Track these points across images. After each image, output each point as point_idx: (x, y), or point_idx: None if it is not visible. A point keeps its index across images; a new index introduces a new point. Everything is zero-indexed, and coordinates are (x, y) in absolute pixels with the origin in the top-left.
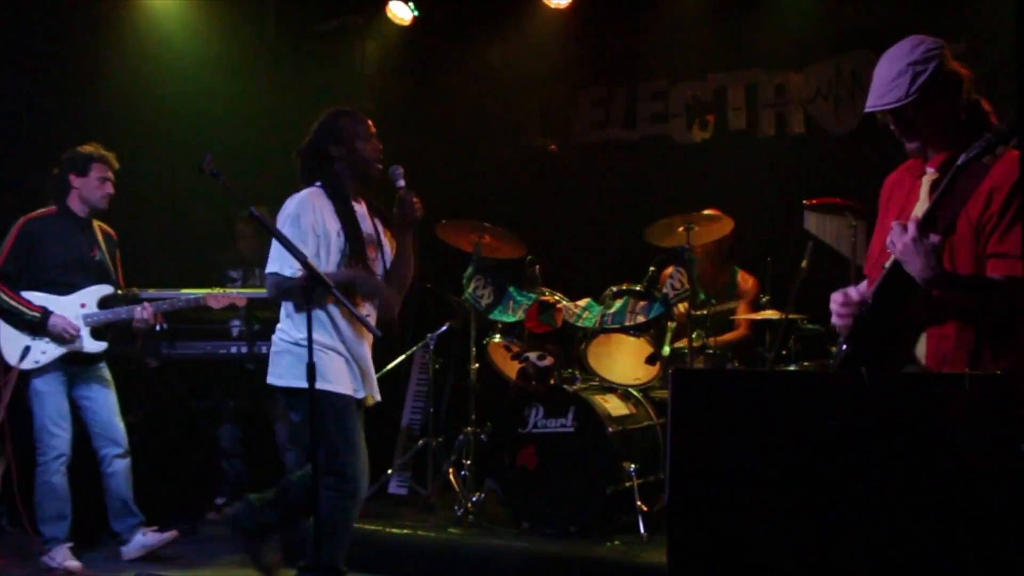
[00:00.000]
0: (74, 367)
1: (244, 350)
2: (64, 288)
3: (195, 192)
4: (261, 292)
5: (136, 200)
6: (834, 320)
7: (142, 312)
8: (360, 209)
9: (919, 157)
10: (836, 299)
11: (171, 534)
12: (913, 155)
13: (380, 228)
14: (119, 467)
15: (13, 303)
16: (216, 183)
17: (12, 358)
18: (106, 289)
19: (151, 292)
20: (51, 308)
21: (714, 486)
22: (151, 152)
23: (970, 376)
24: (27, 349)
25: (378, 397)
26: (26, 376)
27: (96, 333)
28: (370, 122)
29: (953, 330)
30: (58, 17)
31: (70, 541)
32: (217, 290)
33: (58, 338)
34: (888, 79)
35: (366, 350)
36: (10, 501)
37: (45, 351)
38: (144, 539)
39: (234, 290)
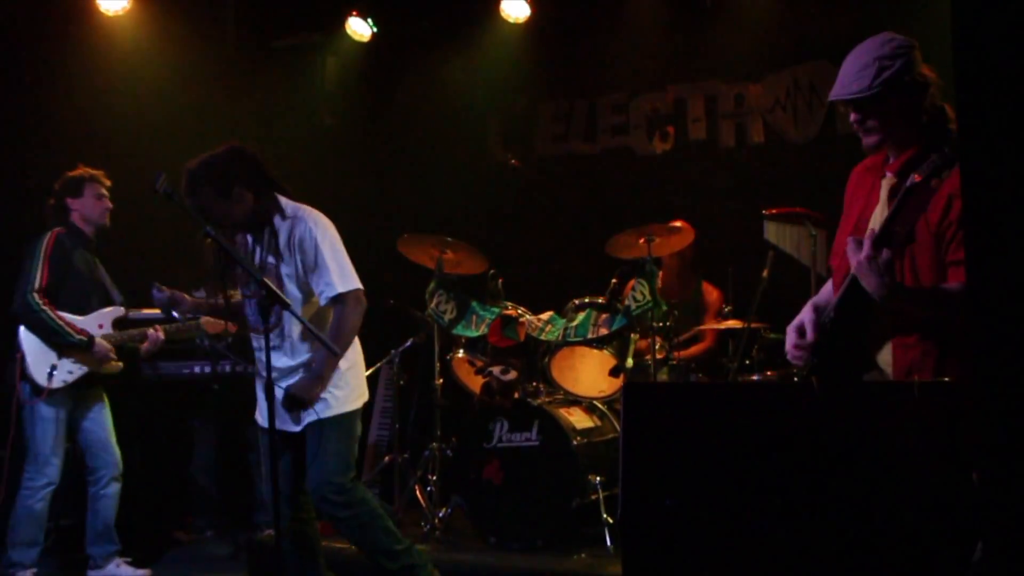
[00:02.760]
0: (82, 388)
1: (208, 370)
2: (82, 308)
3: (158, 210)
4: None
5: None
6: (789, 357)
7: (155, 334)
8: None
9: (876, 153)
10: (791, 337)
11: (145, 572)
12: (869, 151)
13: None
14: (112, 490)
15: (60, 325)
16: (171, 203)
17: (40, 377)
18: (119, 311)
19: (144, 313)
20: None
21: (668, 498)
22: (111, 171)
23: (919, 384)
24: (54, 368)
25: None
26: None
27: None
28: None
29: (917, 339)
30: (19, 36)
31: (35, 568)
32: None
33: (96, 363)
34: (854, 71)
35: None
36: None
37: (71, 371)
38: (118, 571)
39: None
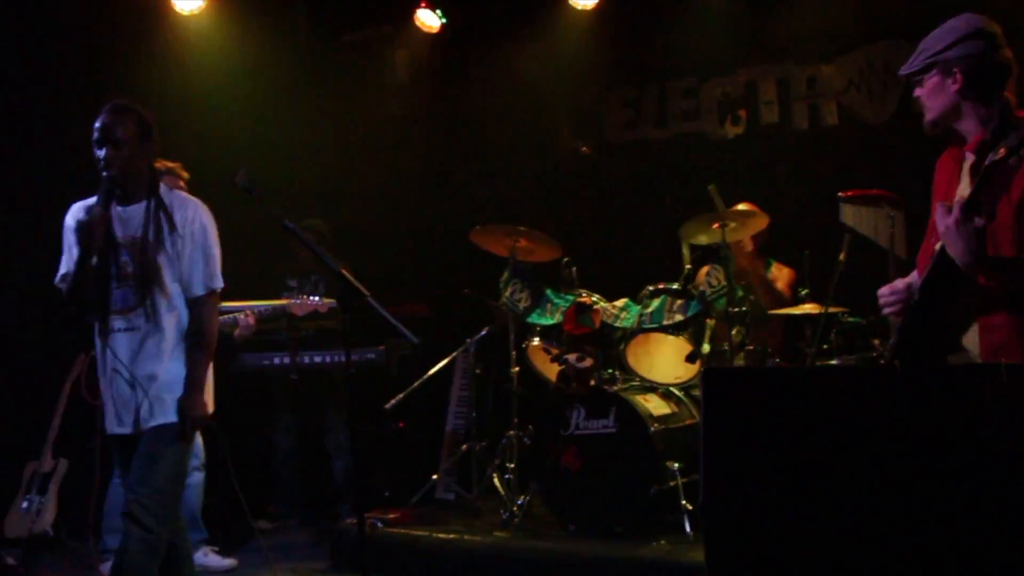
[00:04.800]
0: None
1: (287, 361)
2: None
3: (240, 204)
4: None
5: None
6: (885, 312)
7: (246, 319)
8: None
9: (934, 133)
10: (883, 292)
11: (230, 562)
12: (929, 131)
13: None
14: (195, 479)
15: None
16: (250, 197)
17: None
18: None
19: (227, 305)
20: None
21: (749, 483)
22: (189, 166)
23: (1007, 366)
24: None
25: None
26: None
27: None
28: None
29: (1004, 319)
30: (96, 36)
31: None
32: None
33: None
34: (921, 47)
35: None
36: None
37: None
38: (205, 559)
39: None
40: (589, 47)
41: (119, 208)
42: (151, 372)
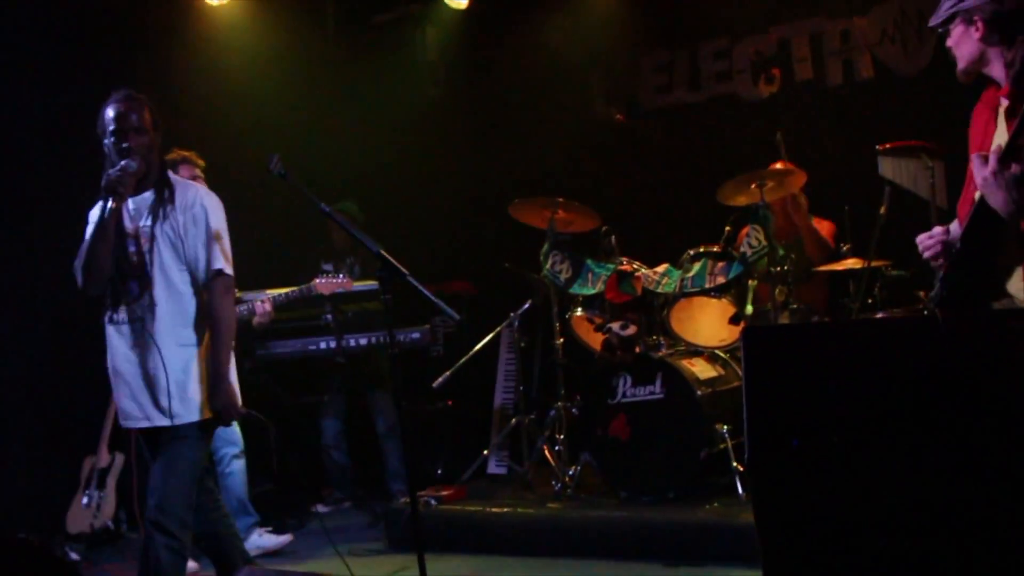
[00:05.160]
0: None
1: (333, 344)
2: None
3: (275, 190)
4: (368, 284)
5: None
6: (925, 256)
7: (263, 306)
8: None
9: (966, 81)
10: (922, 239)
11: (286, 538)
12: (962, 79)
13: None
14: (237, 467)
15: None
16: (285, 183)
17: None
18: None
19: (250, 295)
20: None
21: (794, 439)
22: (224, 155)
23: None
24: None
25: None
26: None
27: None
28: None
29: None
30: (127, 30)
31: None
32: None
33: None
34: None
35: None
36: (130, 505)
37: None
38: (260, 540)
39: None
40: (619, 13)
41: (128, 198)
42: (159, 363)
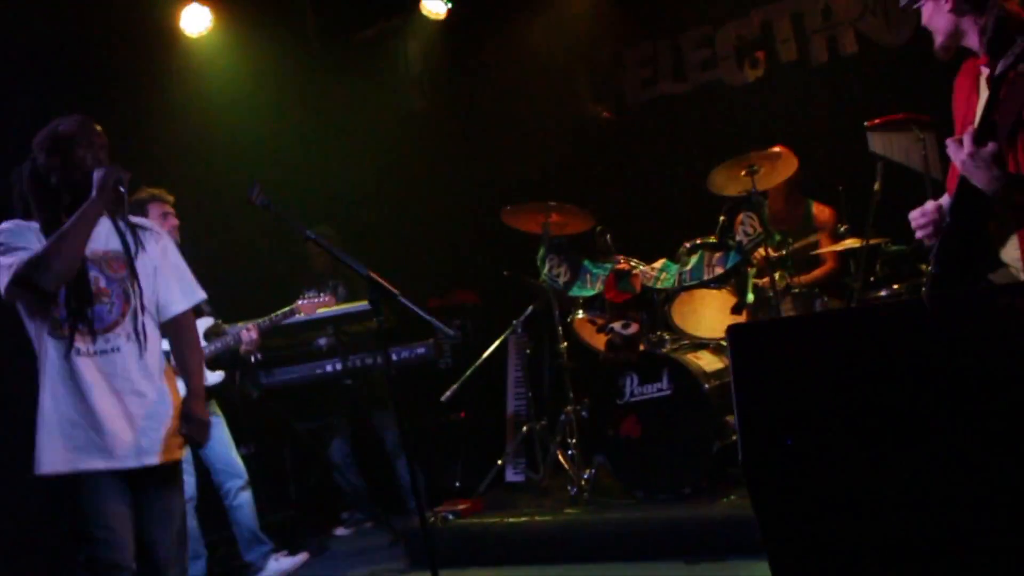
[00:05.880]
0: None
1: (339, 366)
2: None
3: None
4: (349, 307)
5: (196, 228)
6: (918, 235)
7: (249, 334)
8: None
9: (945, 57)
10: (914, 216)
11: (303, 556)
12: (941, 56)
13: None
14: (244, 499)
15: None
16: (267, 213)
17: None
18: (208, 321)
19: (238, 326)
20: None
21: (788, 437)
22: (212, 188)
23: None
24: None
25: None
26: None
27: (208, 365)
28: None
29: None
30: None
31: None
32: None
33: None
34: None
35: None
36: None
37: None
38: (278, 564)
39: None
40: (598, 9)
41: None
42: (137, 396)
